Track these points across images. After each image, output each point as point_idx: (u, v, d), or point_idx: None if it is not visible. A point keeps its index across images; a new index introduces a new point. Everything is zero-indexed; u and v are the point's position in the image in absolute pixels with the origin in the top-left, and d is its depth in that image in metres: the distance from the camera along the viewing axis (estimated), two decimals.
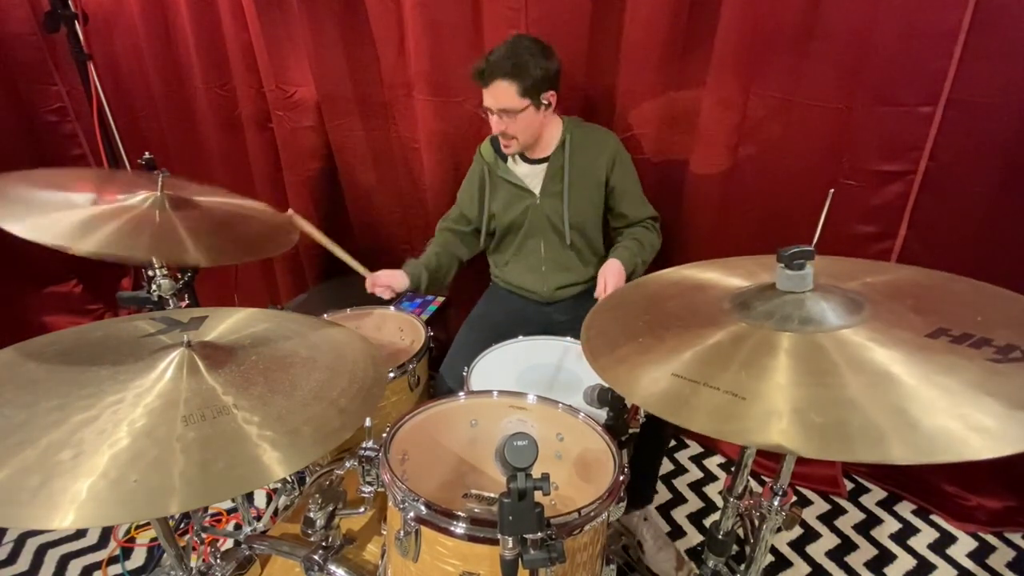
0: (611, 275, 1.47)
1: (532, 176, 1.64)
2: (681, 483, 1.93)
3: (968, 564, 1.63)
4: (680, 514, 1.81)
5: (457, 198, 1.78)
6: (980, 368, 0.63)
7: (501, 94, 1.47)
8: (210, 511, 1.80)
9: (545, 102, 1.52)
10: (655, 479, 1.72)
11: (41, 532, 1.77)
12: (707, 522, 1.78)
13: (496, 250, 1.79)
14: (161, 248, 1.23)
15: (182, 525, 1.74)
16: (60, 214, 1.16)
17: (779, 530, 0.99)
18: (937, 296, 0.82)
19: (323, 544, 1.01)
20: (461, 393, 1.13)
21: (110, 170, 2.02)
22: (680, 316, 0.87)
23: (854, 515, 1.80)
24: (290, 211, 1.57)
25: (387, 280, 1.60)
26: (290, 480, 1.56)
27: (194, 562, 0.96)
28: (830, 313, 0.75)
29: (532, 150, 1.65)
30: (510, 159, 1.67)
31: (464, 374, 1.32)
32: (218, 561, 1.01)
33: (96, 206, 1.22)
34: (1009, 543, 1.69)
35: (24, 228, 1.08)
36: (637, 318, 0.90)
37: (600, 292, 1.44)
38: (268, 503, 1.80)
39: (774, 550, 1.67)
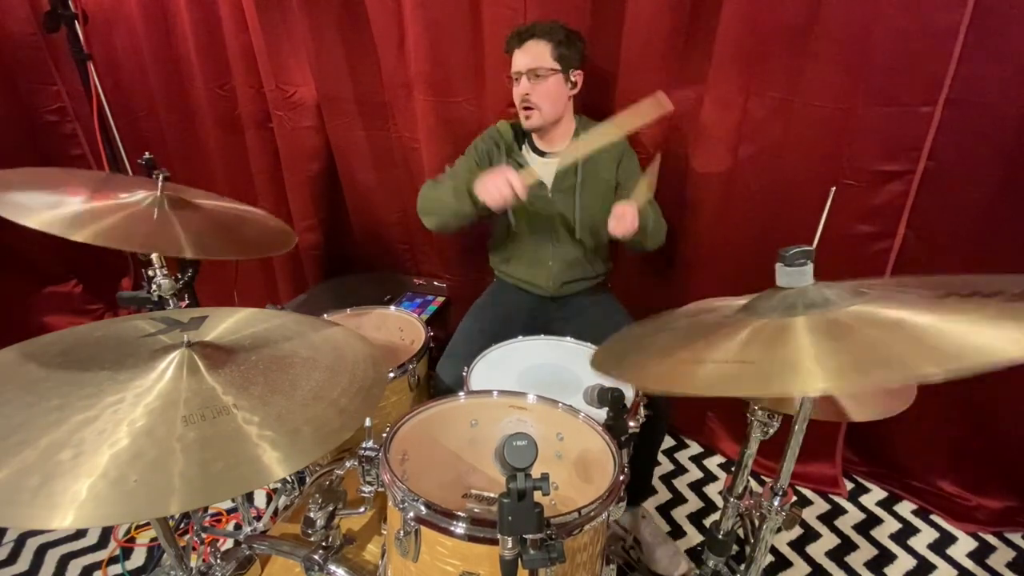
0: (629, 210, 1.42)
1: (543, 169, 1.63)
2: (681, 483, 1.93)
3: (968, 564, 1.63)
4: (680, 514, 1.81)
5: (455, 166, 1.67)
6: (997, 308, 0.63)
7: (534, 52, 1.51)
8: (210, 511, 1.80)
9: (573, 79, 1.55)
10: (651, 476, 1.72)
11: (41, 532, 1.77)
12: (707, 522, 1.78)
13: (500, 243, 1.78)
14: (156, 241, 1.23)
15: (182, 525, 1.74)
16: (55, 210, 1.15)
17: (779, 530, 0.99)
18: (943, 282, 0.82)
19: (323, 544, 1.01)
20: (461, 393, 1.13)
21: (109, 173, 2.01)
22: (693, 331, 0.86)
23: (854, 515, 1.80)
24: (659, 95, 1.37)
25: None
26: (290, 480, 1.56)
27: (194, 562, 0.95)
28: (835, 297, 0.75)
29: (548, 141, 1.64)
30: (524, 147, 1.66)
31: (463, 374, 1.32)
32: (218, 561, 1.01)
33: (91, 203, 1.22)
34: (1009, 543, 1.69)
35: (18, 215, 1.06)
36: (651, 345, 0.88)
37: (613, 224, 1.43)
38: (268, 503, 1.80)
39: (774, 550, 1.67)
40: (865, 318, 0.69)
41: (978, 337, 0.58)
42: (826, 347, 0.65)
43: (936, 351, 0.58)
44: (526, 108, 1.56)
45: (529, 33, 1.52)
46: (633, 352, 0.85)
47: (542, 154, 1.65)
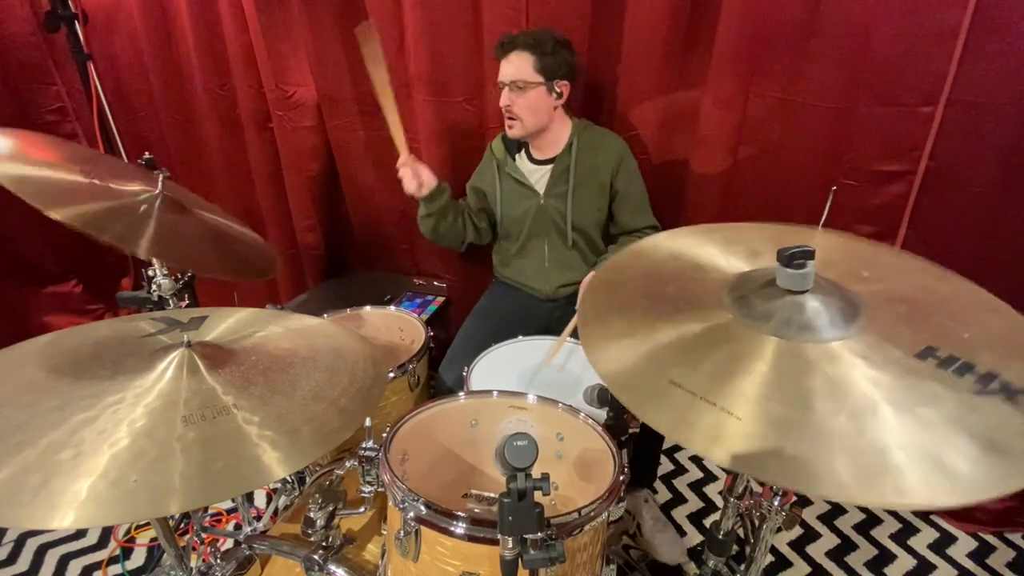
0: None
1: (537, 176, 1.66)
2: (681, 483, 1.93)
3: (968, 564, 1.63)
4: (680, 514, 1.81)
5: (467, 188, 1.82)
6: (959, 402, 0.63)
7: (517, 64, 1.52)
8: (210, 511, 1.80)
9: (558, 90, 1.55)
10: (657, 460, 1.73)
11: (41, 532, 1.77)
12: (707, 522, 1.78)
13: (501, 246, 1.80)
14: (129, 237, 1.18)
15: (182, 525, 1.74)
16: (46, 173, 1.13)
17: (779, 530, 0.99)
18: (930, 303, 0.81)
19: (323, 544, 1.01)
20: (461, 393, 1.13)
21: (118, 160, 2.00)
22: (676, 304, 0.84)
23: (854, 515, 1.80)
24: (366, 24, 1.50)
25: (418, 169, 1.61)
26: (290, 480, 1.56)
27: (194, 562, 0.96)
28: (825, 319, 0.74)
29: (540, 149, 1.66)
30: (518, 157, 1.68)
31: (464, 374, 1.32)
32: (218, 561, 1.01)
33: (87, 179, 1.19)
34: (1009, 543, 1.69)
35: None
36: (635, 304, 0.87)
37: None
38: (268, 503, 1.80)
39: (774, 550, 1.67)
40: (824, 375, 0.67)
41: (904, 476, 0.57)
42: (764, 408, 0.64)
43: (856, 478, 0.58)
44: (509, 118, 1.58)
45: (512, 44, 1.53)
46: (620, 323, 0.83)
47: (536, 162, 1.67)
